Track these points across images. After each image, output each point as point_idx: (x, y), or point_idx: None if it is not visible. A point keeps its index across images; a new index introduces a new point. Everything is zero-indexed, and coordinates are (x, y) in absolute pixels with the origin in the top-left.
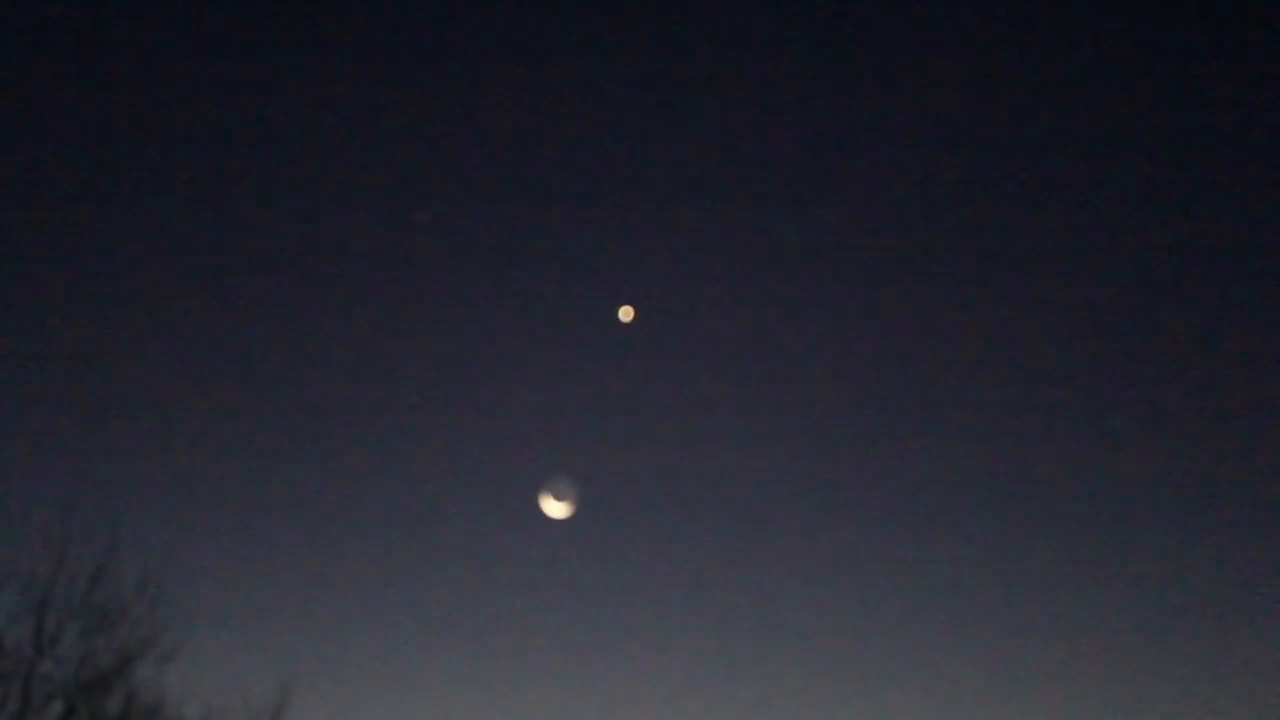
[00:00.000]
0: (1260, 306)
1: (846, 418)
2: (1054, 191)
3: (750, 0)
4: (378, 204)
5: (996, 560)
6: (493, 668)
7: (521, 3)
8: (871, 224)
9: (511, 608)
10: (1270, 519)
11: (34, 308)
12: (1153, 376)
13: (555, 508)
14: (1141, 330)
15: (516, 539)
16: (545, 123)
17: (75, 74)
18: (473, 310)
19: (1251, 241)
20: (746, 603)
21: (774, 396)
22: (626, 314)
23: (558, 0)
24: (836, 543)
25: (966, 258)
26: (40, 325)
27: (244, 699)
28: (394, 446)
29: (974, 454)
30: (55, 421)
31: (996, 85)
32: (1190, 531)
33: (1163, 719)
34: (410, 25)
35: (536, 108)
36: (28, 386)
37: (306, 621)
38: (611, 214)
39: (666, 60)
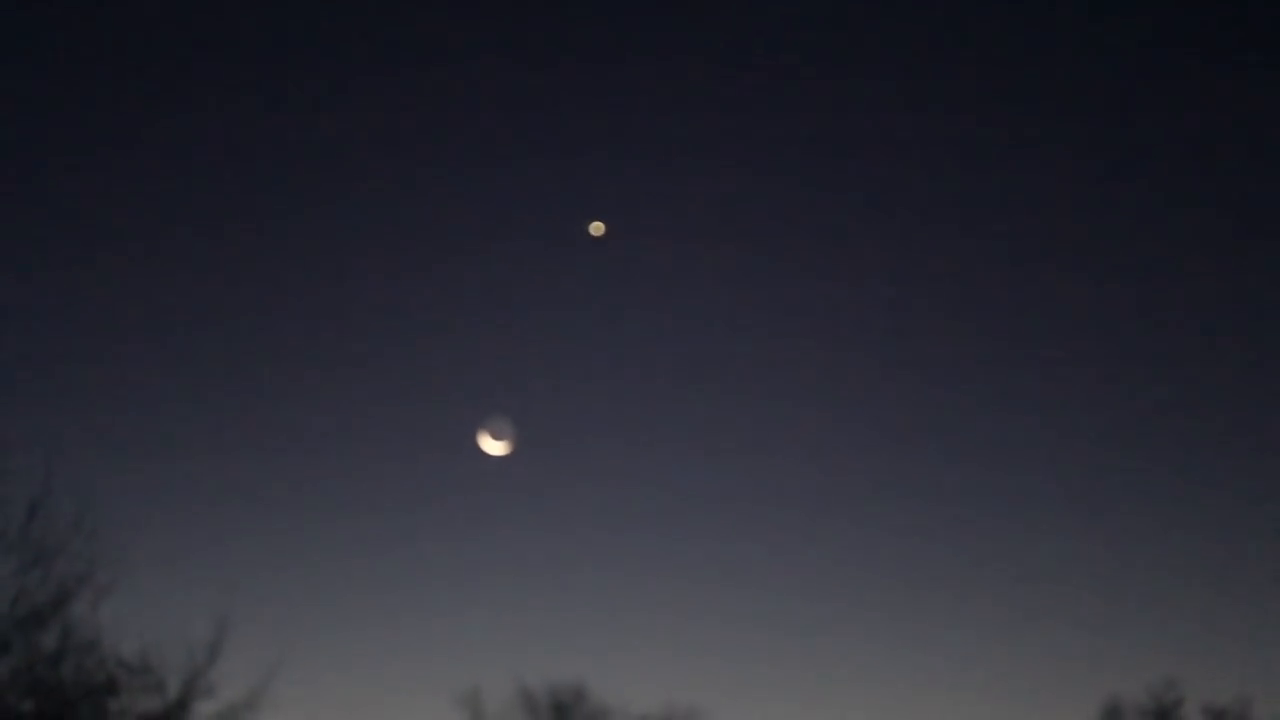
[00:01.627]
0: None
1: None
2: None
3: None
4: (314, 158)
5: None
6: (430, 600)
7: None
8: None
9: (448, 541)
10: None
11: None
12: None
13: (493, 445)
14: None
15: (454, 475)
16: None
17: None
18: (412, 256)
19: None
20: (685, 539)
21: (714, 345)
22: (598, 229)
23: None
24: (771, 470)
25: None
26: None
27: (180, 634)
28: (331, 385)
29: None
30: None
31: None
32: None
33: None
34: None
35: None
36: None
37: (244, 557)
38: (565, 158)
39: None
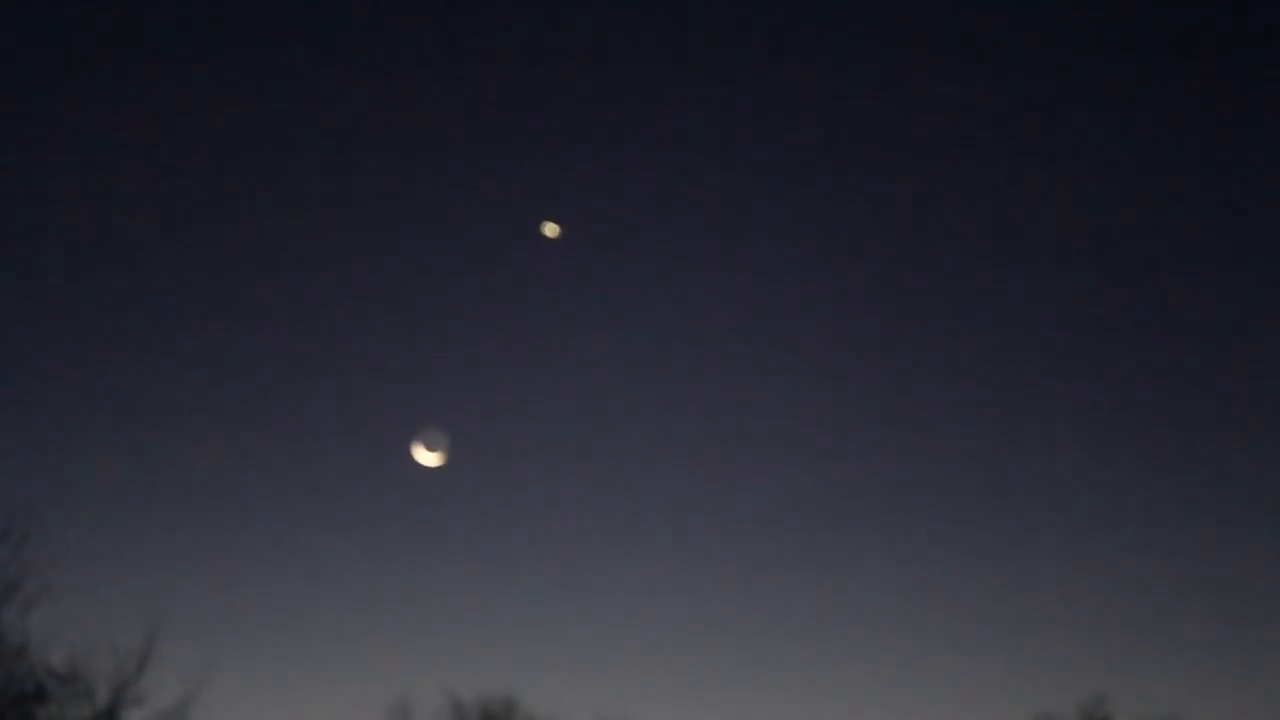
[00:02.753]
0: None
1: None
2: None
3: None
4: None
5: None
6: (361, 610)
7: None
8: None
9: (380, 551)
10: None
11: None
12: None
13: (427, 456)
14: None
15: (387, 485)
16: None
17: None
18: (347, 264)
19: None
20: (621, 550)
21: (652, 347)
22: (552, 230)
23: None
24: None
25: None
26: None
27: (110, 642)
28: (260, 394)
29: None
30: None
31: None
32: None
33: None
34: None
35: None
36: None
37: (174, 566)
38: (509, 155)
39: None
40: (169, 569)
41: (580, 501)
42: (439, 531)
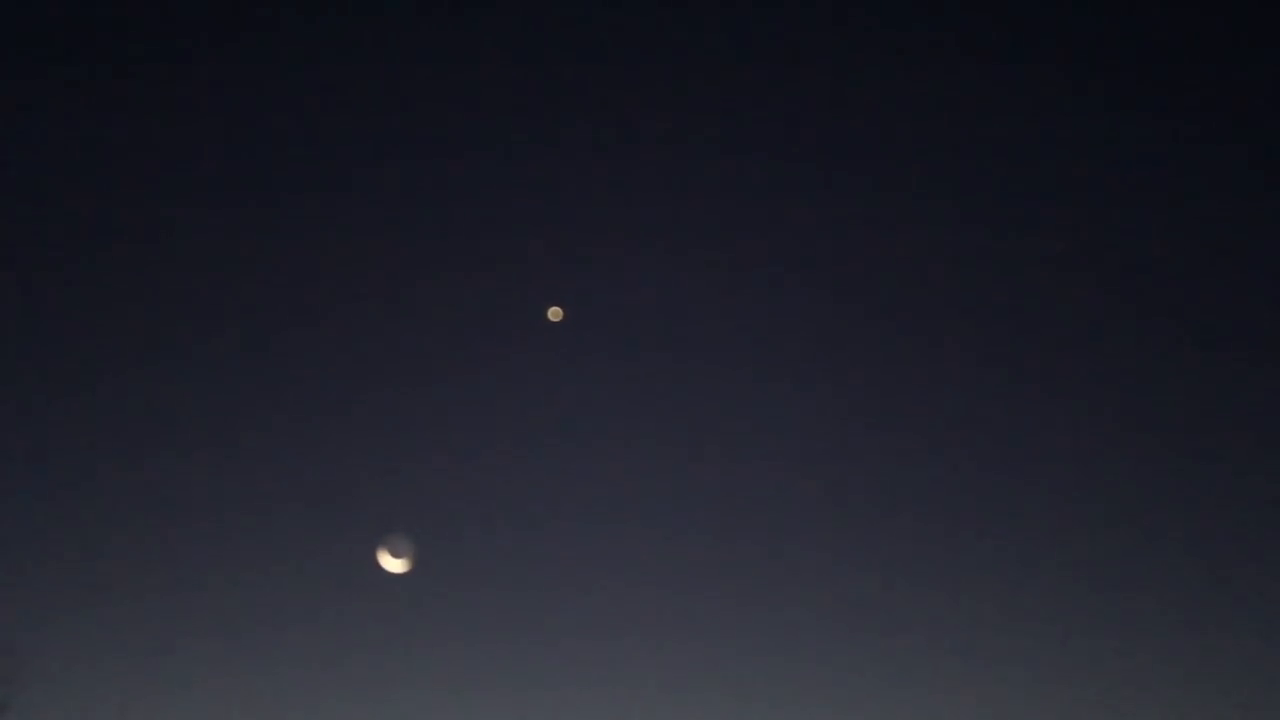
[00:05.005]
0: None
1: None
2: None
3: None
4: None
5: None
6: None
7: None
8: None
9: (346, 659)
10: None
11: None
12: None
13: (393, 563)
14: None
15: (353, 594)
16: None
17: None
18: (315, 344)
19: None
20: (593, 658)
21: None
22: (556, 314)
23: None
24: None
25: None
26: None
27: None
28: (224, 498)
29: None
30: None
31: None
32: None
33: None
34: None
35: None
36: None
37: (141, 676)
38: (488, 244)
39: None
40: (139, 683)
41: (559, 616)
42: (406, 642)
